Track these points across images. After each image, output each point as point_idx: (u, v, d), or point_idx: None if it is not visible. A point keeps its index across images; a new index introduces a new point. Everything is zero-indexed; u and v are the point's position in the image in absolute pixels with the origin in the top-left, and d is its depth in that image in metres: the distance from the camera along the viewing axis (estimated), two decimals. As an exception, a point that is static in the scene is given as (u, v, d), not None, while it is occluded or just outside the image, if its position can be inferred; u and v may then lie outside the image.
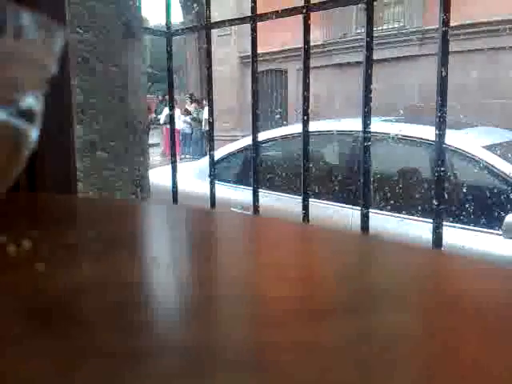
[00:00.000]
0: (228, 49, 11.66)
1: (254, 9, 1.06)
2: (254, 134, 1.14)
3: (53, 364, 0.15)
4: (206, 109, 9.02)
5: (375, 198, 2.60)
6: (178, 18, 14.63)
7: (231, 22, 1.22)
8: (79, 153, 0.74)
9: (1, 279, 0.23)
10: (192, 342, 0.17)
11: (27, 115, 0.25)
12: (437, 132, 0.86)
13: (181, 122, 12.20)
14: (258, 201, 1.16)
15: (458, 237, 2.19)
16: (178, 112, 12.01)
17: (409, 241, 0.29)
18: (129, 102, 0.83)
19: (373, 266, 0.26)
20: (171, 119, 1.44)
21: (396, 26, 9.85)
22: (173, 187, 1.32)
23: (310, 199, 1.07)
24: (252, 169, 1.18)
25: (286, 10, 1.05)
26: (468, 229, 2.34)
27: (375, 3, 0.91)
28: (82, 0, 0.76)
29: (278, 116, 10.55)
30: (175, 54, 1.35)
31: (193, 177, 3.20)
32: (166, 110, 10.82)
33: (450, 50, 0.84)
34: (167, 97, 1.36)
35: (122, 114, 0.83)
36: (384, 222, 2.38)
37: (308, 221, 1.07)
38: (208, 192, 1.27)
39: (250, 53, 1.13)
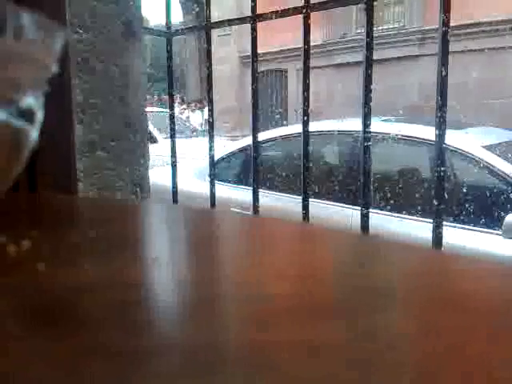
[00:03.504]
0: (228, 49, 11.64)
1: (254, 9, 1.06)
2: (254, 134, 1.14)
3: (54, 363, 0.15)
4: (206, 109, 8.96)
5: (375, 198, 2.60)
6: (178, 17, 14.63)
7: (231, 22, 1.22)
8: (79, 153, 0.74)
9: (1, 279, 0.23)
10: (194, 340, 0.17)
11: (27, 115, 0.25)
12: (437, 132, 0.86)
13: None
14: (258, 201, 1.16)
15: (458, 237, 2.18)
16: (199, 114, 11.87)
17: (409, 241, 0.29)
18: (129, 102, 0.83)
19: (373, 266, 0.26)
20: (171, 119, 1.44)
21: (396, 26, 9.85)
22: (173, 187, 1.32)
23: (310, 199, 1.07)
24: (252, 169, 1.18)
25: (286, 10, 1.05)
26: (468, 229, 2.33)
27: (375, 3, 0.91)
28: (82, 0, 0.76)
29: (278, 116, 10.53)
30: (175, 54, 1.35)
31: (193, 177, 3.20)
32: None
33: (450, 50, 0.84)
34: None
35: (122, 114, 0.82)
36: (384, 221, 2.38)
37: (308, 221, 1.07)
38: (208, 192, 1.27)
39: (250, 53, 1.13)
